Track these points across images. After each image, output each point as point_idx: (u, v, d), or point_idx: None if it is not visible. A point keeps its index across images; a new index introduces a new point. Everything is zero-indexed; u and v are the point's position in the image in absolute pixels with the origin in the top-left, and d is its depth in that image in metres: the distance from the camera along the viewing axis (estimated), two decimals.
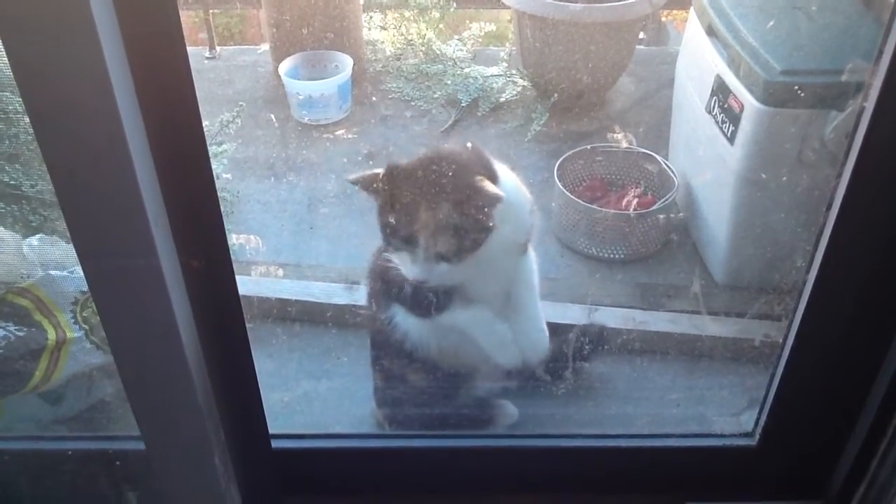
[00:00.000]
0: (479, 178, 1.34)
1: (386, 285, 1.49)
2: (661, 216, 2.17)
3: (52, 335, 1.50)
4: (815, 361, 1.10)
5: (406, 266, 1.36)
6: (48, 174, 0.73)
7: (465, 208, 1.32)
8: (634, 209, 2.20)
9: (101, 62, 0.67)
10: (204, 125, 0.82)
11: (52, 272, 1.55)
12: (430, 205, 1.32)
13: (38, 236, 1.62)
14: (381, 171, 1.35)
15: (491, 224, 1.34)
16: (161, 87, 0.76)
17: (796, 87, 1.77)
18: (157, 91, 0.75)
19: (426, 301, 1.45)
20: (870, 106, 0.87)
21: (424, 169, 1.35)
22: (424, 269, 1.34)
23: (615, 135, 2.55)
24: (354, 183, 1.38)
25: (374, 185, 1.35)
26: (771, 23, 1.93)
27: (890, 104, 0.85)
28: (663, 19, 3.46)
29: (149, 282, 0.82)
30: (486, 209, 1.33)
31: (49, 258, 1.60)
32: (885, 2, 1.66)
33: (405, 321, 1.50)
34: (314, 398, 1.77)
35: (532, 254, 1.54)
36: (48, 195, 1.62)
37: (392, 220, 1.34)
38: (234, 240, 2.09)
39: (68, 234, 0.77)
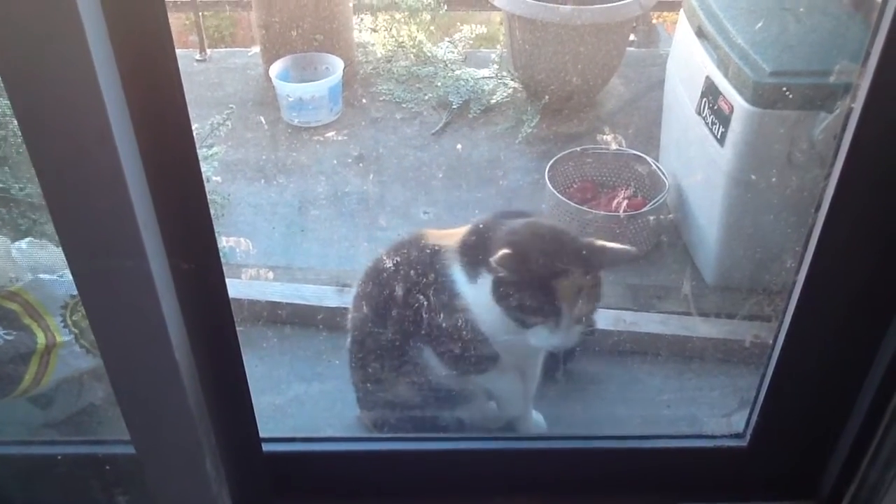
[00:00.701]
0: (594, 240, 1.41)
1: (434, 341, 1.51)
2: (652, 217, 2.18)
3: (41, 339, 1.49)
4: (805, 362, 1.10)
5: (541, 337, 1.39)
6: (37, 177, 0.73)
7: (596, 269, 1.37)
8: (625, 211, 2.21)
9: (90, 64, 0.67)
10: (194, 128, 0.81)
11: (42, 276, 1.54)
12: (569, 273, 1.35)
13: (27, 240, 1.62)
14: (506, 252, 1.35)
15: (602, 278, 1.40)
16: (150, 89, 0.75)
17: (785, 89, 1.78)
18: (145, 92, 0.75)
19: (472, 364, 1.51)
20: (857, 107, 0.87)
21: (546, 242, 1.40)
22: (567, 336, 1.38)
23: (606, 136, 2.56)
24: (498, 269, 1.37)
25: (508, 268, 1.35)
26: (760, 24, 1.94)
27: (877, 105, 0.86)
28: (654, 21, 3.47)
29: (138, 284, 0.82)
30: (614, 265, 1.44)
31: (38, 262, 1.59)
32: (873, 3, 1.68)
33: (432, 359, 1.53)
34: (305, 401, 1.76)
35: None
36: (37, 198, 1.62)
37: (530, 299, 1.36)
38: (224, 243, 2.08)
39: (57, 238, 0.77)
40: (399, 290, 1.49)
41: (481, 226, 1.46)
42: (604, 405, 1.79)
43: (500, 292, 1.37)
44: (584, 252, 1.38)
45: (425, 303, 1.46)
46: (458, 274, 1.44)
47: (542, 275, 1.35)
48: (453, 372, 1.53)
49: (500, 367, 1.53)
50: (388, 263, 1.52)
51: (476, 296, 1.42)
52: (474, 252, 1.43)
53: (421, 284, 1.46)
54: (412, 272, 1.49)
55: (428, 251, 1.48)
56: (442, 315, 1.46)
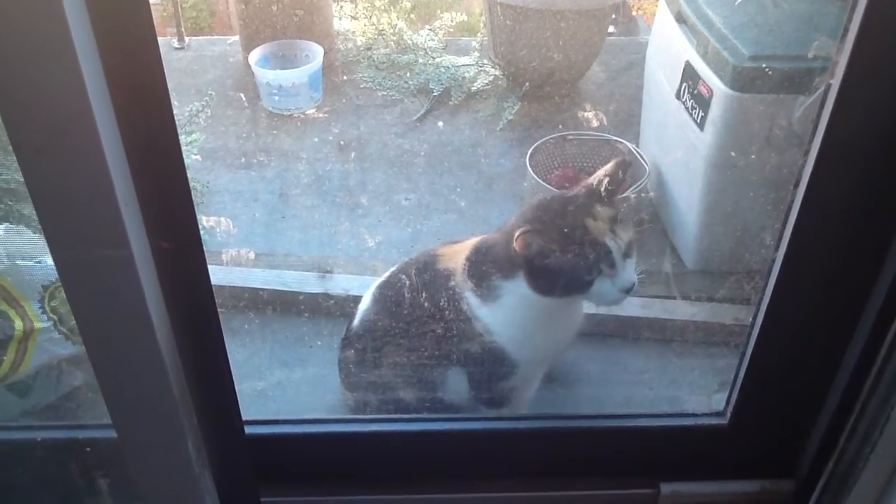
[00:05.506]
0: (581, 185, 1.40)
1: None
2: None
3: (19, 326, 1.48)
4: (784, 340, 1.11)
5: (605, 289, 1.36)
6: (15, 162, 0.72)
7: (609, 198, 1.37)
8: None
9: (70, 46, 0.66)
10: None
11: (20, 262, 1.53)
12: (591, 210, 1.34)
13: (3, 225, 1.60)
14: (524, 230, 1.33)
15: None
16: (128, 62, 0.75)
17: (765, 72, 1.79)
18: (123, 65, 0.74)
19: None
20: (836, 82, 0.88)
21: (549, 204, 1.41)
22: (628, 275, 1.36)
23: (586, 120, 2.57)
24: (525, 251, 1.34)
25: (533, 242, 1.33)
26: (739, 6, 1.95)
27: (855, 80, 0.87)
28: (634, 13, 3.48)
29: (119, 266, 0.81)
30: (627, 175, 1.42)
31: (16, 248, 1.58)
32: None
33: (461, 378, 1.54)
34: (287, 386, 1.76)
35: None
36: (14, 184, 1.60)
37: (575, 256, 1.33)
38: (204, 223, 2.07)
39: (35, 224, 0.76)
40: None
41: (480, 248, 1.46)
42: (585, 388, 1.80)
43: (539, 276, 1.35)
44: (587, 190, 1.37)
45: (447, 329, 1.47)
46: (472, 298, 1.43)
47: (570, 227, 1.32)
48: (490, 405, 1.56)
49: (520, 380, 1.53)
50: (406, 283, 1.53)
51: (494, 313, 1.42)
52: (482, 269, 1.42)
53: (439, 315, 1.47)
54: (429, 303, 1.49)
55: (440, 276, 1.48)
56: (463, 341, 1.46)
